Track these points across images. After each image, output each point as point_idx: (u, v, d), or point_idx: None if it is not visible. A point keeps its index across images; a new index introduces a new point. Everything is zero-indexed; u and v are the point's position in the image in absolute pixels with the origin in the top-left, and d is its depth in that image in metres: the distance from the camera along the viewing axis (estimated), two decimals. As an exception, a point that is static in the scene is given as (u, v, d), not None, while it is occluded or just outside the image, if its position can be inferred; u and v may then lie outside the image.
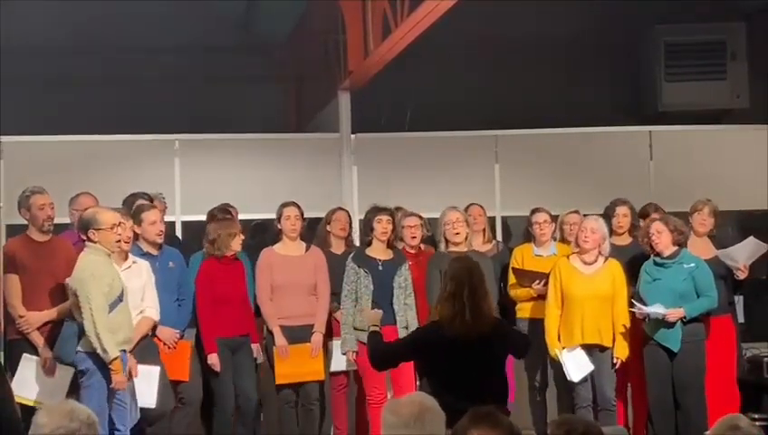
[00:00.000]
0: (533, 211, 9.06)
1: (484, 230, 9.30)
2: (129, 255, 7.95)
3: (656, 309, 8.10)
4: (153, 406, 7.73)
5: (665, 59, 12.04)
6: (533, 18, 11.74)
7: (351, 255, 8.67)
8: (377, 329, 6.63)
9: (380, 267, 8.52)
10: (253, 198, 9.83)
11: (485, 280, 6.48)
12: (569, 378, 8.22)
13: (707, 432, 4.40)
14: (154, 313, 7.95)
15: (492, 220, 10.09)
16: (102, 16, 11.29)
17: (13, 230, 9.09)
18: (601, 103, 12.15)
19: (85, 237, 7.38)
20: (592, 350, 8.26)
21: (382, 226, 8.56)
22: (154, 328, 8.05)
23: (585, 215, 8.81)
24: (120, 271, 7.63)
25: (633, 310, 8.21)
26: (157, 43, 11.68)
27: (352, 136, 10.83)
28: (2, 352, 7.97)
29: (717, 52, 12.11)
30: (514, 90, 11.91)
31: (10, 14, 10.37)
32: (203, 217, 9.28)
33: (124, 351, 7.33)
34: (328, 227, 9.11)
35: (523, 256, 8.93)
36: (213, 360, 8.33)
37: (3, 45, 10.48)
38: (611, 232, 8.81)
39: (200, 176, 10.45)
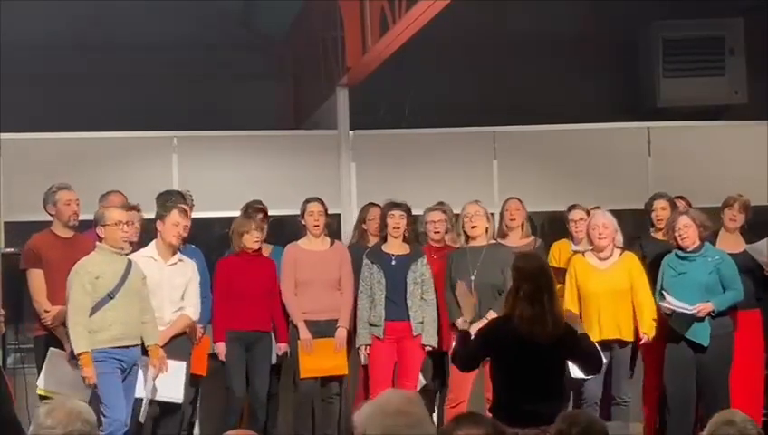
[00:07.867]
0: (570, 208, 9.08)
1: (522, 225, 9.22)
2: (178, 252, 8.08)
3: (683, 306, 8.03)
4: (181, 400, 7.87)
5: (663, 55, 12.02)
6: (531, 14, 11.72)
7: (367, 250, 8.70)
8: (466, 329, 6.46)
9: (393, 262, 8.54)
10: (251, 194, 9.76)
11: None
12: (571, 375, 8.19)
13: (704, 432, 4.36)
14: (192, 312, 8.09)
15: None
16: (100, 13, 11.28)
17: (11, 228, 9.09)
18: (600, 99, 12.13)
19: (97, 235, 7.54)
20: (612, 345, 8.17)
21: (394, 221, 8.58)
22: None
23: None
24: (165, 265, 7.90)
25: (662, 304, 8.14)
26: (155, 39, 11.66)
27: (350, 133, 10.80)
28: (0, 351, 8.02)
29: (716, 47, 12.10)
30: (513, 86, 11.90)
31: (9, 12, 10.36)
32: (201, 214, 9.31)
33: (126, 347, 7.40)
34: (364, 226, 9.17)
35: (560, 252, 8.92)
36: (219, 348, 8.43)
37: (1, 43, 10.48)
38: (652, 226, 8.84)
39: (198, 173, 10.42)
